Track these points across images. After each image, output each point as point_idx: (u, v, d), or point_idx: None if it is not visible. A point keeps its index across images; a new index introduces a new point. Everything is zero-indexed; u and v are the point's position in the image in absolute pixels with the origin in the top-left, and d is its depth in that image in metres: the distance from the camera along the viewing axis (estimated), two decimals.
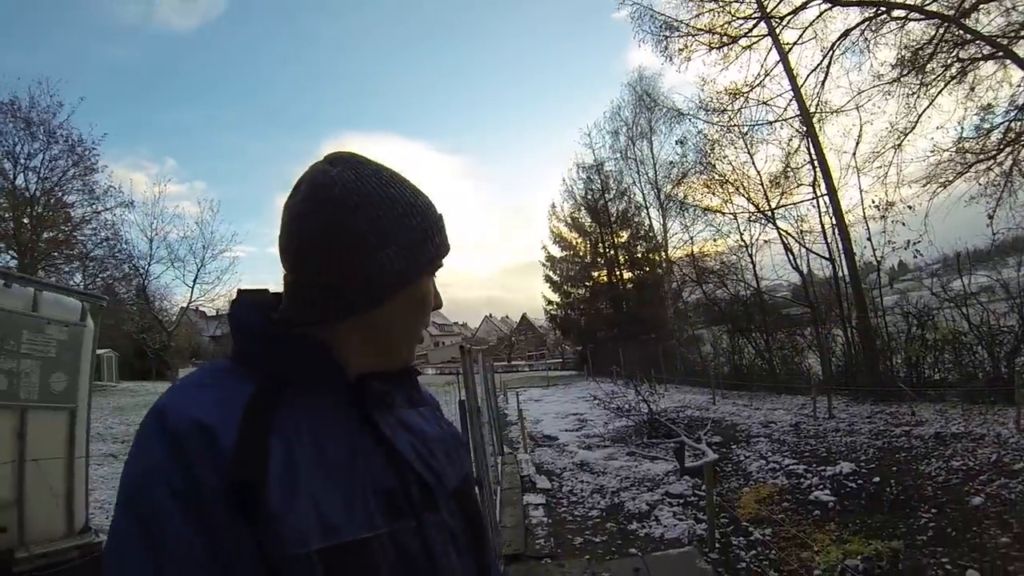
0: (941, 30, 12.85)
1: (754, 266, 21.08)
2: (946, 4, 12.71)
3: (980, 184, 13.41)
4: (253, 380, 0.83)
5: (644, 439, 11.57)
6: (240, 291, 0.94)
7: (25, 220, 23.34)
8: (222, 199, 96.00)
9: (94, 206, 25.69)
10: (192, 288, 29.22)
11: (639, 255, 36.03)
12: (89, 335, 5.13)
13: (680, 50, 18.48)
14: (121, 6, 78.18)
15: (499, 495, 7.38)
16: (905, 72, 14.00)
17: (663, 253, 32.63)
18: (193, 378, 0.85)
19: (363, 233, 0.84)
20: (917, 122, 14.36)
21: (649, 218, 35.10)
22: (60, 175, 24.36)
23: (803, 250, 18.12)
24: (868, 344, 14.86)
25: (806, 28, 16.35)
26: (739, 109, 18.96)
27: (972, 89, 13.21)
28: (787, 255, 18.50)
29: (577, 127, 74.83)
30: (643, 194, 34.83)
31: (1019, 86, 12.40)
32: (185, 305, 31.28)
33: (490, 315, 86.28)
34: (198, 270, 29.12)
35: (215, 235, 32.43)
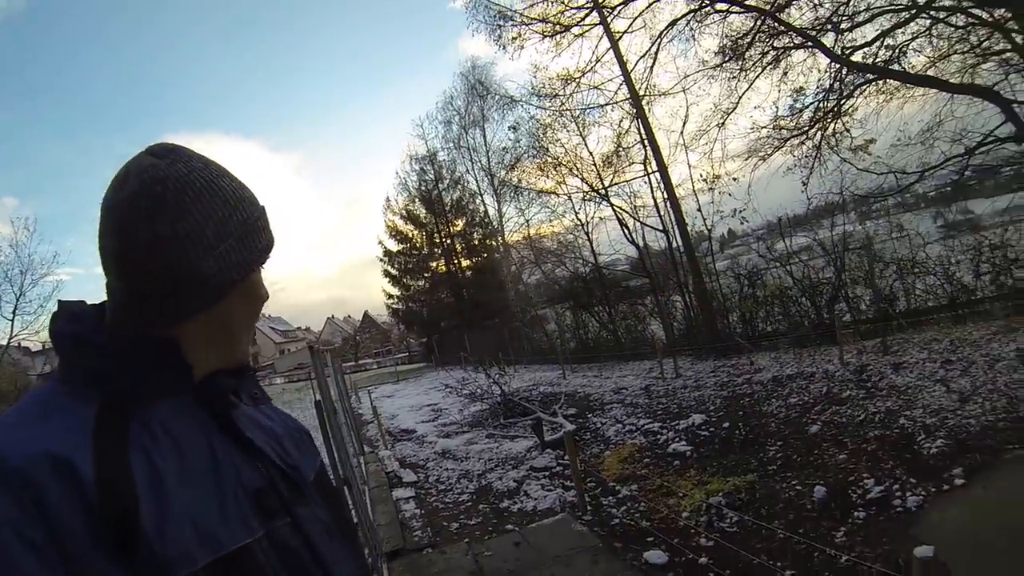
0: (759, 22, 14.09)
1: (591, 243, 21.90)
2: None
3: (795, 156, 14.90)
4: (94, 399, 0.76)
5: (501, 420, 11.72)
6: (60, 303, 0.86)
7: None
8: (39, 216, 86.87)
9: None
10: (12, 321, 24.41)
11: (476, 242, 36.37)
12: None
13: (513, 39, 18.85)
14: None
15: (367, 494, 7.19)
16: (727, 59, 15.19)
17: (500, 238, 33.33)
18: (19, 411, 0.75)
19: (200, 228, 0.80)
20: (738, 103, 15.67)
21: (484, 205, 35.66)
22: None
23: (638, 224, 19.04)
24: (705, 306, 16.02)
25: (636, 17, 17.22)
26: (571, 94, 19.56)
27: (786, 74, 14.63)
28: (623, 230, 19.38)
29: (411, 118, 73.85)
30: (477, 181, 35.35)
31: (826, 72, 13.88)
32: (5, 343, 26.35)
33: (332, 316, 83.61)
34: (17, 300, 24.21)
35: (34, 258, 27.06)
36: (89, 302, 0.88)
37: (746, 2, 14.21)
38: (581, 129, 20.28)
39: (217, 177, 0.84)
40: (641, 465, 7.46)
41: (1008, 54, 11.94)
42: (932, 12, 12.26)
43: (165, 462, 0.74)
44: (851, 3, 12.90)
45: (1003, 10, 11.43)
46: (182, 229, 0.78)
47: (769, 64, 14.60)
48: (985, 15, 11.83)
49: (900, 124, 13.38)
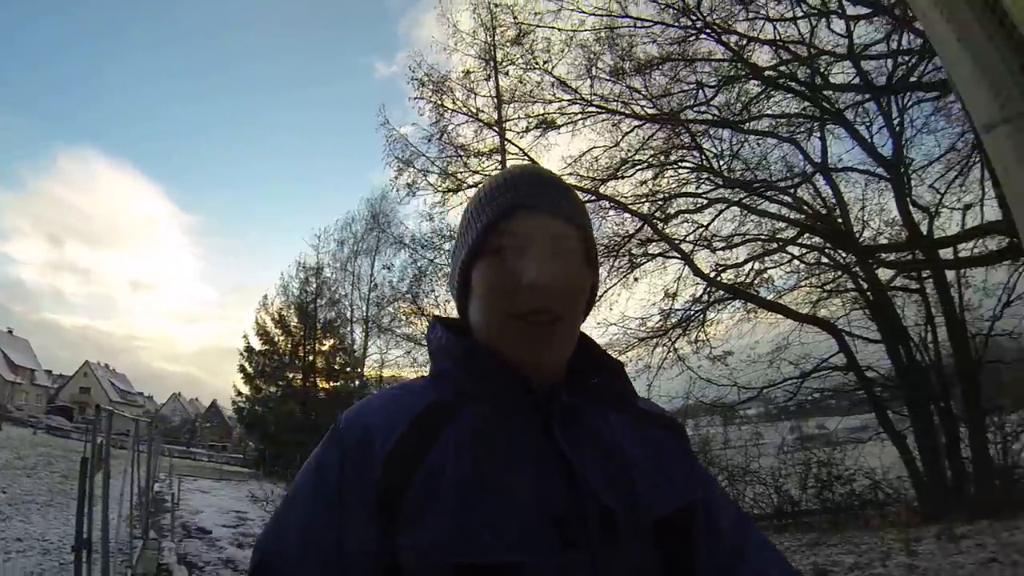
0: (638, 228, 15.21)
1: None
2: (651, 206, 15.37)
3: (651, 356, 15.36)
4: (437, 394, 0.86)
5: None
6: (434, 317, 1.00)
7: None
8: None
9: None
10: None
11: (337, 367, 36.43)
12: None
13: (408, 184, 18.70)
14: None
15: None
16: (607, 255, 15.56)
17: (360, 370, 33.57)
18: (392, 391, 0.92)
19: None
20: (603, 295, 15.68)
21: (353, 333, 35.90)
22: None
23: None
24: None
25: None
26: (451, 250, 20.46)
27: (641, 277, 15.76)
28: None
29: (313, 225, 73.99)
30: (351, 308, 35.70)
31: (697, 285, 14.94)
32: None
33: (179, 394, 79.68)
34: None
35: None
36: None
37: (630, 207, 15.24)
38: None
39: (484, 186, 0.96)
40: None
41: (852, 293, 13.86)
42: (790, 250, 14.24)
43: (461, 465, 0.77)
44: (722, 228, 14.56)
45: (852, 256, 13.32)
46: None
47: (640, 266, 15.54)
48: (838, 258, 13.75)
49: (754, 341, 14.55)
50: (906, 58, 11.97)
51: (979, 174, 11.24)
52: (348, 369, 36.07)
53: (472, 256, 0.89)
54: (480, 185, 0.96)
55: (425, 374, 0.99)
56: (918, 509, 11.66)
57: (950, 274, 12.38)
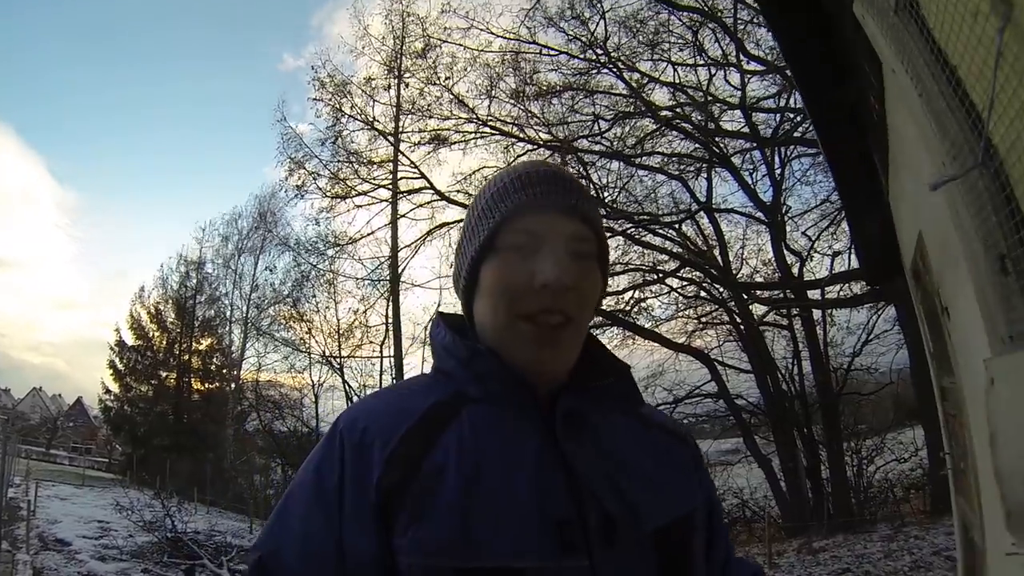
0: None
1: (317, 408, 22.45)
2: None
3: None
4: (438, 395, 0.85)
5: (165, 557, 11.60)
6: (440, 313, 0.99)
7: None
8: None
9: None
10: None
11: (213, 368, 34.57)
12: None
13: (298, 186, 18.66)
14: None
15: None
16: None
17: (237, 372, 32.19)
18: (398, 386, 0.98)
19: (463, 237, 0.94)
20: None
21: (231, 334, 34.26)
22: None
23: None
24: None
25: (420, 206, 18.12)
26: (334, 256, 19.70)
27: None
28: (347, 403, 18.62)
29: (200, 216, 69.49)
30: (231, 308, 34.04)
31: None
32: None
33: (40, 388, 72.98)
34: None
35: None
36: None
37: None
38: (334, 294, 20.75)
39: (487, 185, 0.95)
40: None
41: (726, 325, 14.90)
42: (670, 282, 15.02)
43: (463, 467, 0.77)
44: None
45: (728, 291, 14.26)
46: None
47: None
48: (715, 292, 14.72)
49: (631, 366, 15.91)
50: (792, 115, 13.22)
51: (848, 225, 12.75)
52: (224, 371, 34.26)
53: (482, 252, 0.86)
54: (491, 179, 0.94)
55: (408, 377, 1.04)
56: (781, 525, 12.79)
57: (817, 313, 13.71)
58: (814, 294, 13.66)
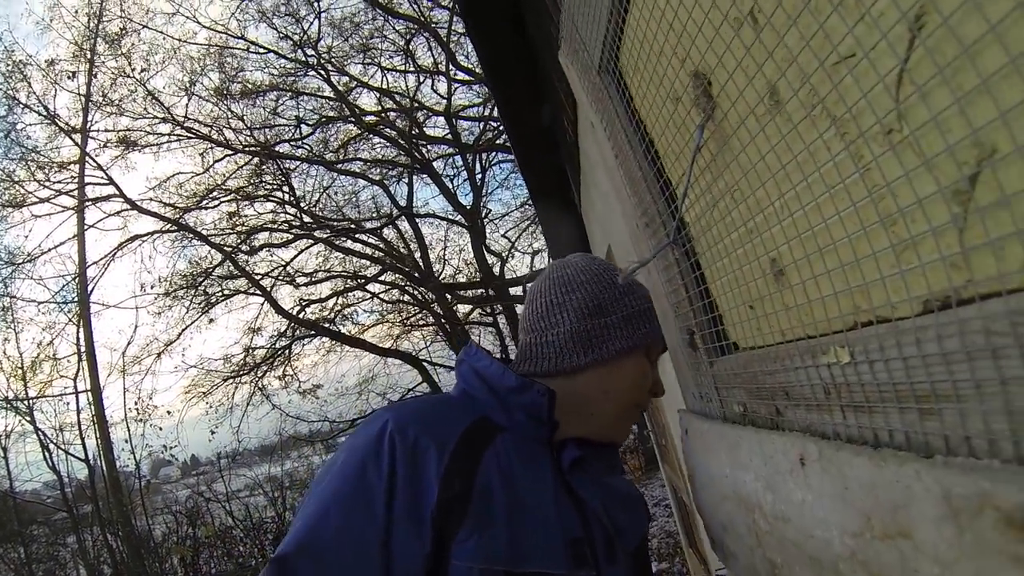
0: (220, 262, 14.47)
1: (7, 460, 18.45)
2: (236, 238, 14.51)
3: (239, 394, 14.92)
4: (472, 415, 0.92)
5: None
6: (474, 344, 1.07)
7: None
8: None
9: None
10: None
11: None
12: None
13: None
14: None
15: None
16: (184, 286, 14.74)
17: None
18: (429, 400, 0.99)
19: (587, 302, 1.00)
20: (180, 335, 14.88)
21: None
22: None
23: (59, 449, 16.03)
24: (134, 550, 14.23)
25: (109, 216, 15.52)
26: (9, 277, 16.39)
27: (224, 313, 15.15)
28: (43, 452, 15.98)
29: None
30: None
31: (282, 320, 14.66)
32: None
33: None
34: None
35: None
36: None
37: (213, 239, 14.43)
38: (13, 323, 16.76)
39: (610, 271, 1.05)
40: None
41: (432, 327, 14.96)
42: (372, 287, 14.86)
43: (500, 487, 0.85)
44: (307, 263, 14.77)
45: (431, 294, 14.47)
46: (575, 301, 1.01)
47: (217, 304, 14.91)
48: (418, 294, 14.75)
49: (341, 374, 14.96)
50: (495, 123, 14.01)
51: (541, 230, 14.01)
52: None
53: (636, 346, 1.00)
54: (635, 281, 1.05)
55: None
56: None
57: (519, 308, 14.64)
58: (516, 291, 14.50)
